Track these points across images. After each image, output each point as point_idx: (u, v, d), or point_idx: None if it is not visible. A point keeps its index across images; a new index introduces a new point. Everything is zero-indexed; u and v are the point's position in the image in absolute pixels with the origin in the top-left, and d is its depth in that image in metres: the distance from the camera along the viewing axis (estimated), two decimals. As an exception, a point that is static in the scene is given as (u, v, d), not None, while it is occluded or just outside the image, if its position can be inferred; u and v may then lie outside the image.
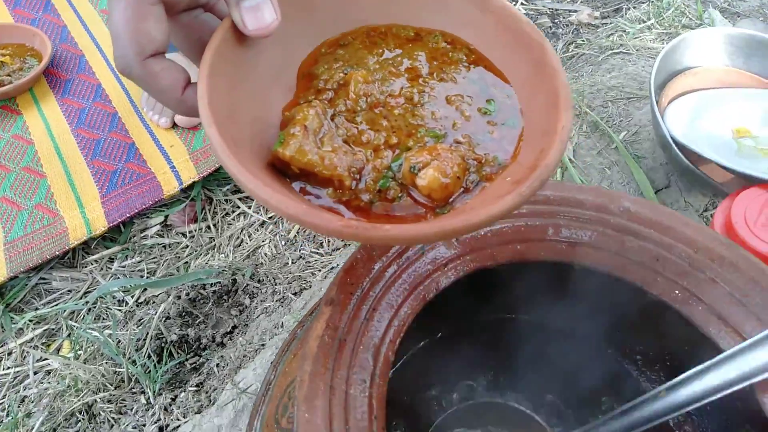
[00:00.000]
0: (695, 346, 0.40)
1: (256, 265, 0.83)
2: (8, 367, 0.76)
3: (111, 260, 0.86)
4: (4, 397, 0.72)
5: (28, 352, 0.76)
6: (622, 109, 0.86)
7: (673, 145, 0.71)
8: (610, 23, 1.08)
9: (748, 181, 0.66)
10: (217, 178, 0.92)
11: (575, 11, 1.14)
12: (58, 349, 0.77)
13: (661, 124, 0.72)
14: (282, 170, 0.32)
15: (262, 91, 0.35)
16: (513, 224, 0.43)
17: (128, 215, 0.84)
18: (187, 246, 0.86)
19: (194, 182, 0.88)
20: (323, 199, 0.31)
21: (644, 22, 1.03)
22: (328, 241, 0.85)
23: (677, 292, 0.40)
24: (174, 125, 0.95)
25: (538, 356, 0.50)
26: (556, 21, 1.13)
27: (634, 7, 1.09)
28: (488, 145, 0.33)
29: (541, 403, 0.52)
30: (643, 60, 0.94)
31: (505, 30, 0.35)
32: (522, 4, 1.17)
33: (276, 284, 0.80)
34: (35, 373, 0.75)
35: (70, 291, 0.82)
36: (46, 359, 0.75)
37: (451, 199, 0.31)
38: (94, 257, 0.85)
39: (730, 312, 0.38)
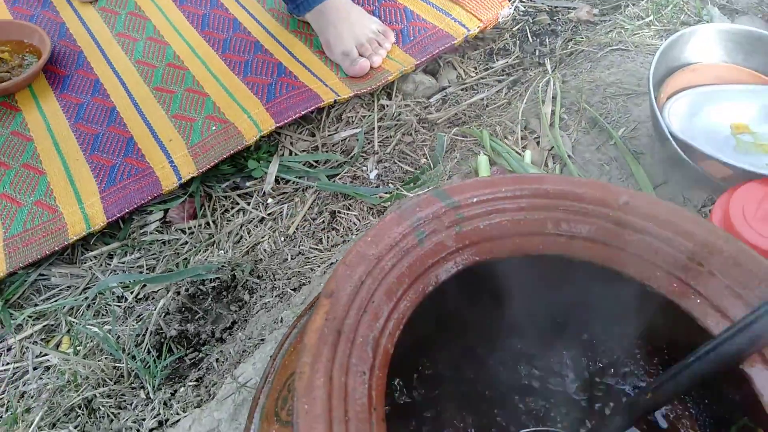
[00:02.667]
0: (694, 339, 0.40)
1: (256, 261, 0.83)
2: (7, 363, 0.76)
3: (110, 256, 0.86)
4: (3, 392, 0.72)
5: (27, 348, 0.77)
6: (621, 105, 0.86)
7: (672, 141, 0.71)
8: (609, 20, 1.08)
9: (746, 177, 0.66)
10: (216, 174, 0.92)
11: (574, 8, 1.14)
12: (58, 345, 0.77)
13: (659, 120, 0.72)
14: None
15: None
16: (512, 218, 0.43)
17: (127, 210, 0.84)
18: (186, 242, 0.86)
19: (193, 178, 0.88)
20: None
21: (643, 18, 1.03)
22: (327, 238, 0.85)
23: (675, 285, 0.40)
24: None
25: (537, 349, 0.50)
26: (555, 18, 1.13)
27: (633, 4, 1.09)
28: None
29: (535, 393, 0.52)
30: (641, 56, 0.94)
31: None
32: (521, 1, 1.17)
33: (275, 280, 0.80)
34: (35, 368, 0.75)
35: (69, 287, 0.82)
36: (45, 355, 0.75)
37: None
38: (93, 253, 0.85)
39: (728, 304, 0.39)
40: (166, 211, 0.89)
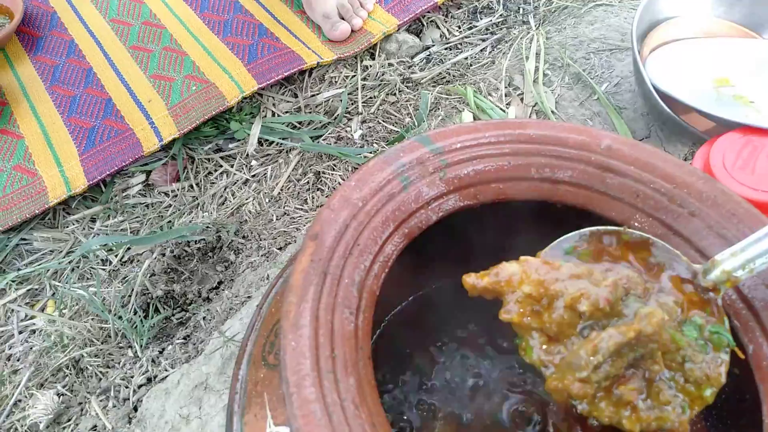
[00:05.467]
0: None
1: (241, 222, 0.82)
2: (-8, 327, 0.75)
3: (93, 220, 0.85)
4: (-11, 355, 0.72)
5: (12, 312, 0.76)
6: (604, 60, 0.86)
7: (654, 94, 0.71)
8: (593, -24, 1.07)
9: (726, 128, 0.67)
10: (198, 136, 0.91)
11: (558, -35, 1.12)
12: (43, 309, 0.77)
13: (642, 73, 0.72)
14: None
15: None
16: (496, 163, 0.43)
17: (108, 173, 0.83)
18: (170, 205, 0.86)
19: (175, 139, 0.87)
20: None
21: (627, -26, 1.02)
22: (313, 198, 0.85)
23: (657, 227, 0.41)
24: None
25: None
26: (539, -25, 1.12)
27: (617, -40, 1.08)
28: None
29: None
30: (625, 12, 0.93)
31: None
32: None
33: (261, 240, 0.79)
34: (20, 332, 0.75)
35: (52, 251, 0.82)
36: (30, 318, 0.75)
37: None
38: (76, 217, 0.84)
39: (708, 244, 0.39)
40: (148, 173, 0.88)
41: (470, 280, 0.36)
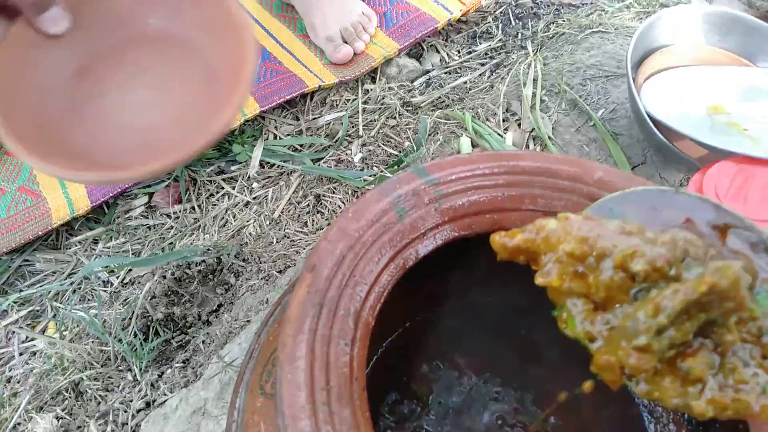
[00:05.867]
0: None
1: (241, 244, 0.83)
2: (-7, 348, 0.76)
3: (95, 241, 0.86)
4: (-10, 377, 0.73)
5: (13, 333, 0.77)
6: (600, 87, 0.87)
7: (649, 121, 0.72)
8: (590, 2, 1.09)
9: (720, 156, 0.68)
10: (200, 158, 0.92)
11: (556, -9, 1.14)
12: (44, 330, 0.77)
13: (637, 101, 0.73)
14: None
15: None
16: (490, 194, 0.44)
17: (111, 195, 0.84)
18: (171, 227, 0.87)
19: (177, 162, 0.88)
20: None
21: (623, 0, 1.04)
22: (313, 221, 0.86)
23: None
24: None
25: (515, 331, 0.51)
26: (537, 1, 1.14)
27: (614, -13, 1.10)
28: None
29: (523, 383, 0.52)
30: (621, 38, 0.95)
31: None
32: (503, -16, 1.17)
33: (261, 263, 0.80)
34: (21, 354, 0.75)
35: (54, 272, 0.82)
36: (31, 340, 0.76)
37: None
38: (78, 239, 0.85)
39: (698, 275, 0.40)
40: (150, 195, 0.89)
41: (499, 239, 0.32)
